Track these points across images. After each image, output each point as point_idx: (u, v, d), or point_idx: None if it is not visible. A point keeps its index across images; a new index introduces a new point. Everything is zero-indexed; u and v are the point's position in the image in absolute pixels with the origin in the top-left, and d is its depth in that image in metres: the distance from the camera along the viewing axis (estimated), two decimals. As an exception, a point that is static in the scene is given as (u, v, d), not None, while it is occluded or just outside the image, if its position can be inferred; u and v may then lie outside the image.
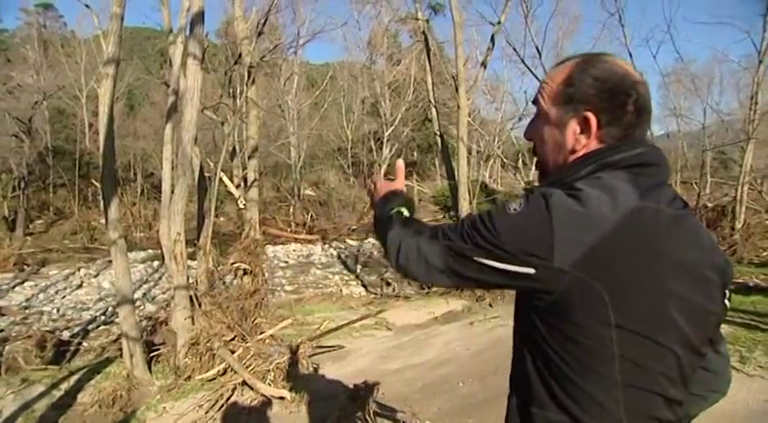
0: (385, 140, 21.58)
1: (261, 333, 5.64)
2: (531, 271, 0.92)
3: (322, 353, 6.04)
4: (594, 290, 0.90)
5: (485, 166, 20.51)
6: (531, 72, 10.87)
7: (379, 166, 21.81)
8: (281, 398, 4.62)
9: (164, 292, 10.48)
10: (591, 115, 1.04)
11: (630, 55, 11.29)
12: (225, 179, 7.52)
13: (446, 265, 1.03)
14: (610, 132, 1.04)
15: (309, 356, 5.61)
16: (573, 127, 1.07)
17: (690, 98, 16.22)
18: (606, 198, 0.92)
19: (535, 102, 1.15)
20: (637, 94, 1.03)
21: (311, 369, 5.35)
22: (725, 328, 5.78)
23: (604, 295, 0.90)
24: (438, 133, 10.02)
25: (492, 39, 9.07)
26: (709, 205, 11.49)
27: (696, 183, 13.38)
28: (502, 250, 0.94)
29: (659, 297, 0.94)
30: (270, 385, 4.78)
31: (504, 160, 21.63)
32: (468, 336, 6.35)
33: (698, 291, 0.97)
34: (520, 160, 22.37)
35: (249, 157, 7.61)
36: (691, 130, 21.47)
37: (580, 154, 1.06)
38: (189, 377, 5.16)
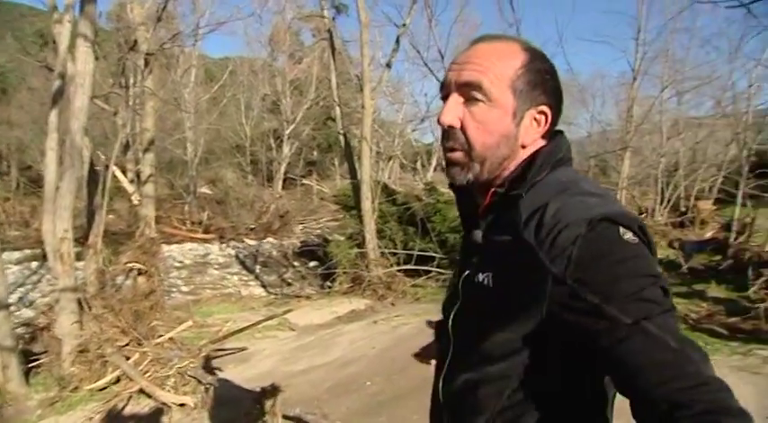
0: (285, 139, 21.19)
1: (158, 337, 5.31)
2: None
3: (224, 355, 5.81)
4: None
5: (384, 167, 20.72)
6: (434, 75, 11.13)
7: (279, 164, 21.42)
8: (183, 404, 4.37)
9: (44, 296, 9.59)
10: (548, 109, 1.00)
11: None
12: (118, 173, 7.02)
13: None
14: (552, 128, 1.02)
15: (212, 359, 5.38)
16: (529, 119, 0.99)
17: (576, 108, 17.36)
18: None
19: (468, 84, 0.97)
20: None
21: (214, 373, 5.11)
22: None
23: None
24: (341, 132, 9.98)
25: (397, 40, 9.20)
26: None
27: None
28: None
29: None
30: (170, 392, 4.51)
31: (404, 161, 22.02)
32: (373, 334, 6.37)
33: None
34: (419, 162, 22.87)
35: (145, 151, 7.14)
36: (574, 139, 23.01)
37: (532, 150, 1.00)
38: (76, 388, 4.69)
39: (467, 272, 1.04)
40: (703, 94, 15.10)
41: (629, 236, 0.85)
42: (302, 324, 7.28)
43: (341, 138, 10.13)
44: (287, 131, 21.00)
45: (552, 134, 1.03)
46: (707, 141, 15.54)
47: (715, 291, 7.81)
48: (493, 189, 1.00)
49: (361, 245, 9.20)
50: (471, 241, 1.06)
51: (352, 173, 9.79)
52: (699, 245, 10.50)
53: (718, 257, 9.54)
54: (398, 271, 8.88)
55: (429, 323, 5.84)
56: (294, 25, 21.69)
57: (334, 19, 10.58)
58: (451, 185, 1.09)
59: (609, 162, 15.09)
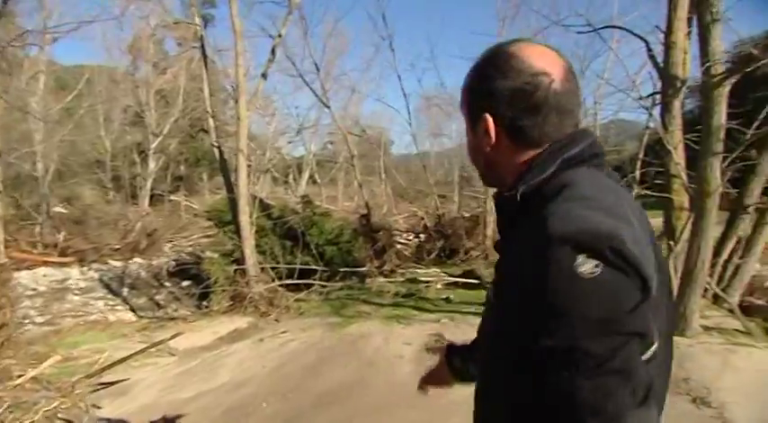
0: (150, 153, 19.93)
1: (17, 377, 4.69)
2: None
3: (99, 390, 5.26)
4: None
5: (256, 181, 20.24)
6: (309, 87, 11.10)
7: (144, 179, 20.11)
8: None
9: None
10: (488, 117, 1.04)
11: (399, 77, 12.22)
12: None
13: None
14: (513, 131, 1.03)
15: (85, 396, 4.84)
16: (481, 129, 1.05)
17: (446, 120, 18.11)
18: None
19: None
20: None
21: (90, 411, 4.60)
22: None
23: None
24: (216, 145, 9.57)
25: (273, 51, 9.00)
26: (466, 215, 12.90)
27: (444, 196, 14.97)
28: None
29: None
30: (36, 439, 3.98)
31: (276, 175, 21.65)
32: (261, 353, 6.12)
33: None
34: (290, 175, 22.62)
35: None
36: (441, 150, 24.04)
37: (522, 155, 1.03)
38: None
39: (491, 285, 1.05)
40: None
41: (586, 267, 0.75)
42: (182, 348, 6.81)
43: (215, 150, 9.70)
44: (153, 145, 19.76)
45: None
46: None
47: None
48: (494, 196, 1.06)
49: (240, 261, 8.87)
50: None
51: (228, 187, 9.41)
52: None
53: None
54: (280, 286, 8.66)
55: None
56: (158, 33, 20.52)
57: (205, 27, 10.13)
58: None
59: (471, 172, 15.88)
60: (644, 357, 0.78)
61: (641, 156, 9.46)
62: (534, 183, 0.93)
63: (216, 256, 10.99)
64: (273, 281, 8.54)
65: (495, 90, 0.98)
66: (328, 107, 11.44)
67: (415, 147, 14.24)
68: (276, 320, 7.73)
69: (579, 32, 7.32)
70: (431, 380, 1.57)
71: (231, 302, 8.62)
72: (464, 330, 6.24)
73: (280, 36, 8.96)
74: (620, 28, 7.03)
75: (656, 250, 0.88)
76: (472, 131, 1.05)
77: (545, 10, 17.42)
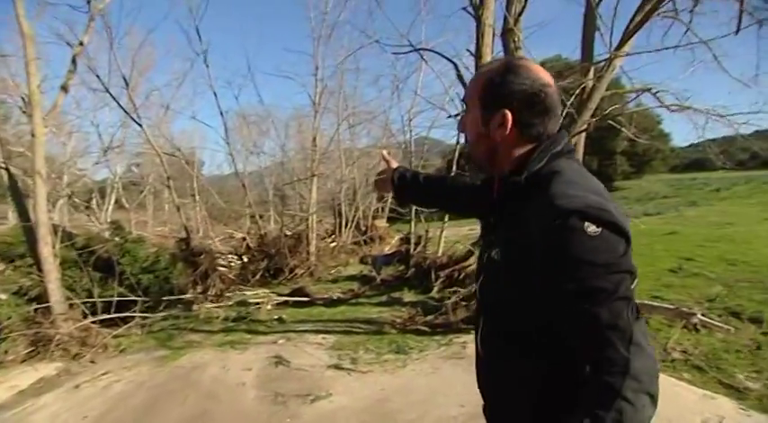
0: None
1: None
2: None
3: None
4: None
5: (52, 208, 17.89)
6: (118, 103, 10.13)
7: None
8: None
9: None
10: (508, 113, 1.32)
11: (215, 94, 11.75)
12: None
13: None
14: (524, 127, 1.33)
15: None
16: (495, 122, 1.34)
17: (262, 137, 17.76)
18: None
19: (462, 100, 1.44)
20: None
21: None
22: (332, 339, 6.53)
23: None
24: (4, 166, 8.27)
25: (73, 60, 8.01)
26: (289, 233, 12.77)
27: (261, 216, 14.73)
28: None
29: None
30: None
31: (76, 200, 19.42)
32: (80, 401, 5.35)
33: None
34: (93, 201, 20.47)
35: None
36: (256, 169, 23.49)
37: (522, 146, 1.34)
38: None
39: (486, 250, 1.32)
40: (376, 124, 17.23)
41: (591, 229, 1.08)
42: (-33, 412, 5.70)
43: (3, 173, 8.37)
44: None
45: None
46: (378, 167, 17.60)
47: (408, 296, 8.84)
48: (498, 178, 1.33)
49: (40, 299, 7.72)
50: (490, 223, 1.37)
51: (22, 214, 8.18)
52: (386, 258, 11.78)
53: (402, 267, 10.84)
54: (93, 322, 7.70)
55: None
56: None
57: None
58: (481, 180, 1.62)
59: (284, 191, 15.83)
60: (632, 287, 1.12)
61: (454, 169, 10.20)
62: (534, 169, 1.24)
63: (3, 297, 9.45)
64: (86, 317, 7.56)
65: (515, 92, 1.26)
66: (140, 125, 10.53)
67: (233, 166, 13.74)
68: (92, 362, 6.83)
69: (394, 53, 7.73)
70: (378, 185, 1.95)
71: (32, 348, 7.43)
72: (302, 349, 6.16)
73: (81, 44, 8.04)
74: (431, 50, 7.54)
75: None
76: (482, 122, 1.31)
77: (356, 32, 18.18)
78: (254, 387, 5.04)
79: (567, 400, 1.15)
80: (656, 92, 5.98)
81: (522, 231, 1.18)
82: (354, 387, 4.87)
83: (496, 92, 1.28)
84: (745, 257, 9.17)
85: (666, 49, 5.71)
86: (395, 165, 1.89)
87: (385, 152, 1.98)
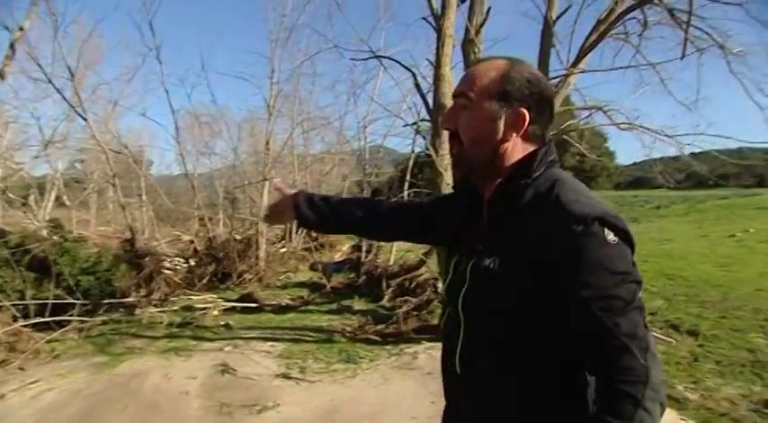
0: None
1: None
2: None
3: None
4: None
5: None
6: (62, 95, 9.67)
7: None
8: None
9: None
10: (525, 111, 1.22)
11: (167, 91, 11.39)
12: None
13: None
14: (532, 128, 1.27)
15: None
16: (508, 119, 1.23)
17: (215, 139, 17.30)
18: None
19: (456, 94, 1.26)
20: None
21: None
22: (280, 347, 6.39)
23: None
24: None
25: (12, 46, 7.54)
26: (239, 237, 12.50)
27: (211, 219, 14.34)
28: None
29: None
30: None
31: (11, 196, 18.43)
32: (5, 413, 5.00)
33: None
34: (32, 197, 19.46)
35: None
36: (204, 172, 22.89)
37: (521, 150, 1.26)
38: None
39: (473, 259, 1.23)
40: (331, 130, 17.09)
41: (611, 237, 1.08)
42: None
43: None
44: None
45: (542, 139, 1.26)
46: (331, 174, 17.55)
47: (359, 304, 8.76)
48: (499, 180, 1.22)
49: (-36, 300, 7.26)
50: (475, 231, 1.27)
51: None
52: (337, 265, 11.68)
53: (353, 275, 10.76)
54: (24, 326, 7.29)
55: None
56: None
57: None
58: (455, 186, 1.44)
59: (235, 194, 15.47)
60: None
61: (408, 178, 10.22)
62: (536, 176, 1.19)
63: None
64: (16, 320, 7.15)
65: (534, 93, 1.21)
66: (86, 120, 10.09)
67: (183, 167, 13.31)
68: (21, 369, 6.44)
69: (353, 59, 7.69)
70: (271, 217, 1.77)
71: (-48, 355, 6.97)
72: (250, 357, 6.00)
73: (21, 29, 7.61)
74: (389, 58, 7.53)
75: None
76: (494, 119, 1.20)
77: (314, 36, 18.01)
78: (199, 396, 4.85)
79: (555, 412, 1.16)
80: (608, 110, 6.16)
81: (526, 239, 1.13)
82: (303, 397, 4.75)
83: (517, 88, 1.20)
84: (682, 272, 9.58)
85: (618, 68, 5.93)
86: (291, 191, 1.69)
87: (277, 180, 1.83)
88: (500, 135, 1.21)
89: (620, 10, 5.76)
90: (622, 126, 6.08)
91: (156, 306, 8.62)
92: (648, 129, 6.08)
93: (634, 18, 6.60)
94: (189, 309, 8.41)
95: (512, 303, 1.15)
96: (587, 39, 6.05)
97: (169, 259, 11.51)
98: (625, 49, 7.04)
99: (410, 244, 14.24)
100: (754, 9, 5.85)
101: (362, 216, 1.64)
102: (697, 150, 6.51)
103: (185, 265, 11.39)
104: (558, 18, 6.32)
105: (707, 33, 6.24)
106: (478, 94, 1.21)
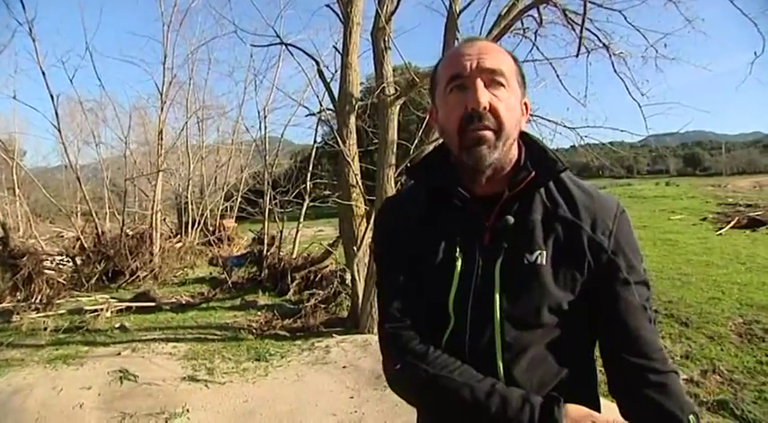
0: None
1: None
2: None
3: None
4: None
5: None
6: None
7: None
8: None
9: None
10: (527, 101, 1.21)
11: (44, 74, 10.34)
12: None
13: None
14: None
15: None
16: (523, 107, 1.17)
17: (102, 128, 15.98)
18: None
19: (491, 70, 1.08)
20: None
21: None
22: (184, 347, 6.06)
23: None
24: None
25: None
26: (130, 233, 11.73)
27: (97, 213, 13.38)
28: None
29: None
30: None
31: None
32: None
33: None
34: None
35: None
36: (88, 163, 21.27)
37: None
38: None
39: (499, 259, 1.09)
40: (229, 119, 16.44)
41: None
42: None
43: None
44: None
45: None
46: (228, 164, 16.89)
47: (263, 299, 8.50)
48: (531, 174, 1.11)
49: None
50: (479, 233, 1.12)
51: None
52: (238, 259, 11.25)
53: (255, 269, 10.43)
54: None
55: None
56: None
57: None
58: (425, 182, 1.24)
59: (125, 187, 14.50)
60: None
61: (310, 169, 10.03)
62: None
63: None
64: None
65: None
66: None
67: (65, 157, 12.20)
68: None
69: (254, 45, 7.40)
70: None
71: None
72: (151, 360, 5.64)
73: None
74: (293, 45, 7.29)
75: None
76: (520, 104, 1.14)
77: (210, 20, 17.21)
78: (96, 408, 4.45)
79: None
80: (510, 102, 6.33)
81: (570, 228, 1.10)
82: (214, 400, 4.51)
83: (522, 78, 1.17)
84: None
85: (522, 62, 6.08)
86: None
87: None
88: (520, 123, 1.15)
89: (521, 6, 5.92)
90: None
91: (37, 310, 7.86)
92: (550, 120, 6.34)
93: (531, 16, 6.86)
94: (77, 312, 7.76)
95: (558, 296, 1.07)
96: (489, 32, 6.18)
97: (51, 258, 10.57)
98: (523, 45, 7.32)
99: (312, 236, 14.09)
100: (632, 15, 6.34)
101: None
102: (593, 142, 6.87)
103: (70, 265, 10.51)
104: (461, 11, 6.40)
105: (594, 34, 6.63)
106: (509, 73, 1.11)
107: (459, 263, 1.11)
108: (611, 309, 1.09)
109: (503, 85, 1.09)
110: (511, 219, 1.10)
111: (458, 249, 1.12)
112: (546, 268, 1.07)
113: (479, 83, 1.06)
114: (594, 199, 1.13)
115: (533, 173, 1.11)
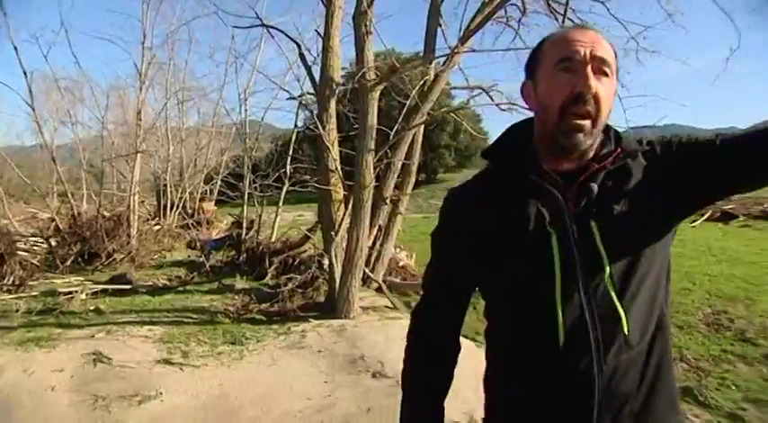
0: None
1: None
2: None
3: None
4: None
5: None
6: None
7: None
8: None
9: None
10: None
11: (16, 49, 10.11)
12: None
13: None
14: None
15: None
16: None
17: (78, 107, 15.64)
18: None
19: (602, 60, 1.15)
20: None
21: None
22: (159, 330, 6.03)
23: None
24: None
25: None
26: (107, 214, 11.59)
27: (73, 194, 13.17)
28: None
29: None
30: None
31: None
32: None
33: None
34: None
35: None
36: (64, 143, 20.80)
37: None
38: None
39: (592, 215, 1.15)
40: (209, 101, 16.23)
41: None
42: None
43: None
44: None
45: None
46: (207, 147, 16.70)
47: (241, 283, 8.46)
48: (619, 150, 1.21)
49: None
50: (581, 193, 1.17)
51: None
52: (216, 242, 11.20)
53: (233, 253, 10.38)
54: None
55: None
56: None
57: None
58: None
59: (102, 168, 14.27)
60: None
61: (290, 153, 9.97)
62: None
63: None
64: None
65: None
66: None
67: (40, 136, 11.92)
68: None
69: (236, 27, 7.31)
70: None
71: None
72: (126, 343, 5.61)
73: None
74: (274, 28, 7.21)
75: None
76: (614, 95, 1.20)
77: (190, 0, 16.91)
78: (68, 390, 4.42)
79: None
80: (490, 91, 6.35)
81: (639, 170, 1.19)
82: (188, 384, 4.50)
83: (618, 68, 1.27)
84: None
85: (503, 50, 6.11)
86: None
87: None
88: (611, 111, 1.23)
89: (504, -6, 5.93)
90: (503, 106, 6.30)
91: (9, 292, 7.77)
92: (531, 109, 6.36)
93: (514, 4, 6.88)
94: (51, 294, 7.68)
95: (653, 229, 1.18)
96: (472, 20, 6.18)
97: (24, 239, 10.43)
98: (506, 33, 7.34)
99: (291, 221, 14.04)
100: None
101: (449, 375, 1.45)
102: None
103: (45, 246, 10.37)
104: (444, -1, 6.40)
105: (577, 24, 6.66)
106: (614, 65, 1.19)
107: (553, 230, 1.16)
108: (702, 151, 1.15)
109: (608, 75, 1.17)
110: (595, 186, 1.17)
111: (547, 218, 1.17)
112: (630, 212, 1.15)
113: (589, 70, 1.14)
114: (648, 143, 1.24)
115: (619, 149, 1.21)
